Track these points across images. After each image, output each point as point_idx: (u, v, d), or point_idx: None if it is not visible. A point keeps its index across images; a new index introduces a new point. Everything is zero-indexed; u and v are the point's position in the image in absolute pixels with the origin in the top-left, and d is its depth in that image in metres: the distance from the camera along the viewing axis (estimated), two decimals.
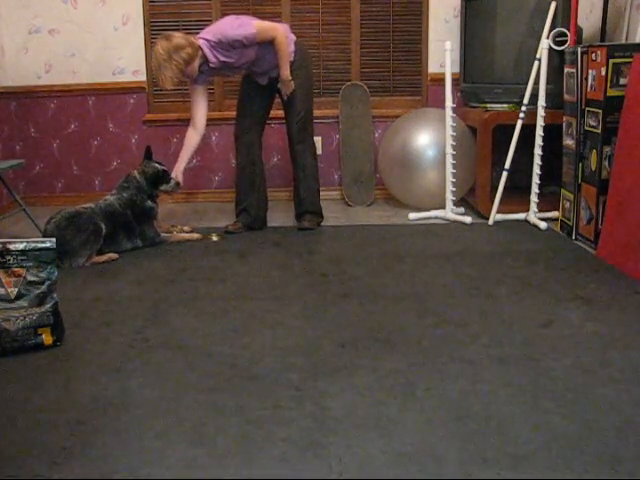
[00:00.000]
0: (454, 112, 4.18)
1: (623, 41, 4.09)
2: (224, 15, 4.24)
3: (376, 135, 4.95)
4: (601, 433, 1.83)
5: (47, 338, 2.45)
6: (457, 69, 4.60)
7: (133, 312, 2.81)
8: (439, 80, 4.60)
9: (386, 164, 4.57)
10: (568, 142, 3.87)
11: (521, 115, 4.05)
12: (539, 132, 4.02)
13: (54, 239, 2.51)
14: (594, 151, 3.59)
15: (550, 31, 4.00)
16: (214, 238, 3.94)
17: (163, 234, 3.88)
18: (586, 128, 3.67)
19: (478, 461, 1.71)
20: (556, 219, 4.07)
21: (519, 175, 4.66)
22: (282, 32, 3.76)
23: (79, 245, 3.44)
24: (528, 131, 4.07)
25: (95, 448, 1.81)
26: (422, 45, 4.92)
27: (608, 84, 3.45)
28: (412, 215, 4.32)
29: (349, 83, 4.91)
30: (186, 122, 4.06)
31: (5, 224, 4.34)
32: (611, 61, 3.44)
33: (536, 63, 4.00)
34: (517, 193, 4.48)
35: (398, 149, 4.44)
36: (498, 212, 4.14)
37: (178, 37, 3.67)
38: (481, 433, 1.84)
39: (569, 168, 3.87)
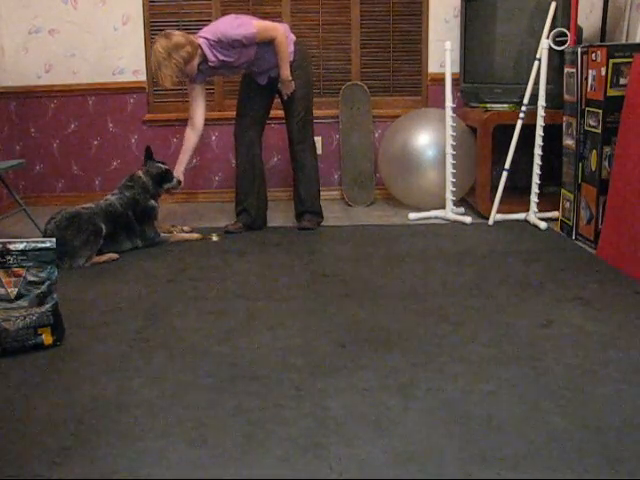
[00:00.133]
0: (454, 112, 4.18)
1: (623, 41, 4.09)
2: (224, 15, 4.24)
3: (376, 135, 4.95)
4: (601, 433, 1.83)
5: (47, 338, 2.45)
6: (457, 69, 4.60)
7: (133, 312, 2.81)
8: (439, 80, 4.61)
9: (386, 164, 4.57)
10: (568, 142, 3.87)
11: (521, 115, 4.05)
12: (539, 132, 4.02)
13: (54, 239, 2.51)
14: (594, 151, 3.59)
15: (550, 31, 4.00)
16: (214, 238, 3.94)
17: (163, 234, 3.88)
18: (586, 128, 3.67)
19: (478, 461, 1.71)
20: (556, 219, 4.07)
21: (519, 175, 4.66)
22: (282, 32, 3.76)
23: (79, 245, 3.44)
24: (528, 131, 4.07)
25: (95, 448, 1.81)
26: (422, 45, 4.92)
27: (608, 84, 3.45)
28: (412, 215, 4.32)
29: (349, 83, 4.91)
30: (186, 122, 4.06)
31: (5, 224, 4.34)
32: (611, 61, 3.44)
33: (536, 63, 4.00)
34: (517, 193, 4.48)
35: (398, 149, 4.44)
36: (498, 212, 4.14)
37: (178, 35, 3.67)
38: (481, 433, 1.84)
39: (569, 168, 3.87)
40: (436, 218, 4.31)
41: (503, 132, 4.29)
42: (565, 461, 1.71)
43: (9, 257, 2.40)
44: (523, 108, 4.04)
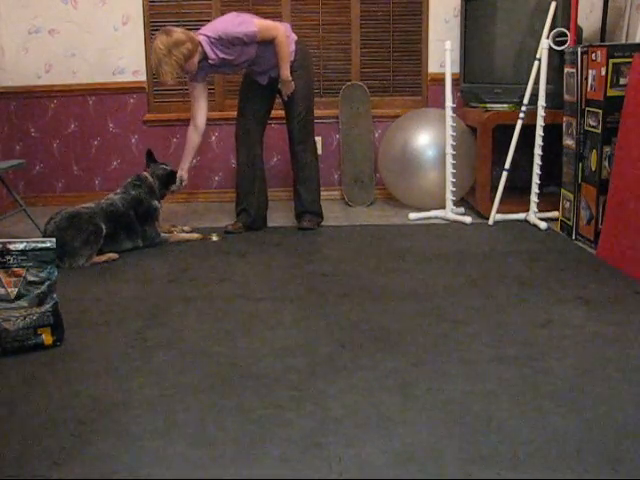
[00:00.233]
0: (454, 112, 4.18)
1: (623, 41, 4.09)
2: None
3: (376, 135, 4.95)
4: (601, 433, 1.83)
5: (47, 338, 2.45)
6: (457, 69, 4.60)
7: (133, 312, 2.81)
8: (439, 80, 4.61)
9: (386, 164, 4.57)
10: (568, 142, 3.87)
11: (521, 115, 4.05)
12: (539, 132, 4.01)
13: (54, 239, 2.51)
14: (594, 151, 3.59)
15: (550, 31, 4.00)
16: (214, 238, 3.94)
17: (163, 234, 3.88)
18: (586, 128, 3.67)
19: (478, 461, 1.71)
20: (556, 219, 4.07)
21: (519, 175, 4.66)
22: (283, 32, 3.76)
23: (79, 245, 3.44)
24: (528, 131, 4.07)
25: (95, 448, 1.81)
26: (422, 45, 4.92)
27: (608, 84, 3.45)
28: (412, 215, 4.32)
29: (349, 83, 4.91)
30: (186, 122, 4.06)
31: (5, 224, 4.34)
32: (611, 61, 3.44)
33: (536, 63, 4.00)
34: (517, 193, 4.48)
35: (398, 149, 4.44)
36: (498, 212, 4.14)
37: (178, 32, 3.67)
38: (481, 433, 1.84)
39: (569, 168, 3.87)
40: (436, 218, 4.31)
41: (503, 132, 4.29)
42: (565, 461, 1.71)
43: (9, 257, 2.40)
44: (523, 108, 4.04)
